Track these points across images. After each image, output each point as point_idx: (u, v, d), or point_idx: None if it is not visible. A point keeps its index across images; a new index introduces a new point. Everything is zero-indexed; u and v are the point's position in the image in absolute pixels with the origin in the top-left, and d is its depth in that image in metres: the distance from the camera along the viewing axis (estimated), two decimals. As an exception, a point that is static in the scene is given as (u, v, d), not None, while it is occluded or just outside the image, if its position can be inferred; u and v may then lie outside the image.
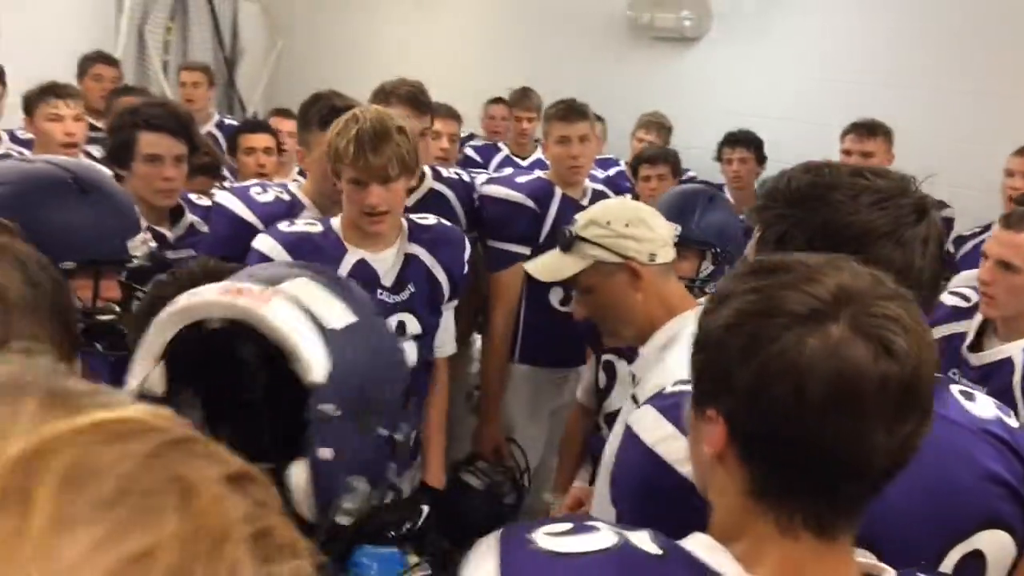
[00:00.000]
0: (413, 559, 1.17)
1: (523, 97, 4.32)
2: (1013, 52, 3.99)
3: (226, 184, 2.94)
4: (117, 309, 1.58)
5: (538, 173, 3.05)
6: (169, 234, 2.31)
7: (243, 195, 2.30)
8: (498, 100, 4.73)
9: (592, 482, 2.04)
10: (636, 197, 3.47)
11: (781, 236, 1.03)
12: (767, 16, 4.67)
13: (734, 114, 4.36)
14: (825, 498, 0.73)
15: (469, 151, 4.16)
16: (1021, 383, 1.90)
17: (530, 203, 2.88)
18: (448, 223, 2.28)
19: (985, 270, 1.97)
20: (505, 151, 4.39)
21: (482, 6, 5.96)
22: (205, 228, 2.35)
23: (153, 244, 1.66)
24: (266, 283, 1.09)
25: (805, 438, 0.70)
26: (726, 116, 4.34)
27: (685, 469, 0.92)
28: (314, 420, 0.99)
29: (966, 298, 2.05)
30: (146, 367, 1.06)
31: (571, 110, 2.94)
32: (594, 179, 3.28)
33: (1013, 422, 1.11)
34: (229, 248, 2.02)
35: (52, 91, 3.12)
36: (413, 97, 2.64)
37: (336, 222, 2.06)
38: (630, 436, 0.99)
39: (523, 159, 4.40)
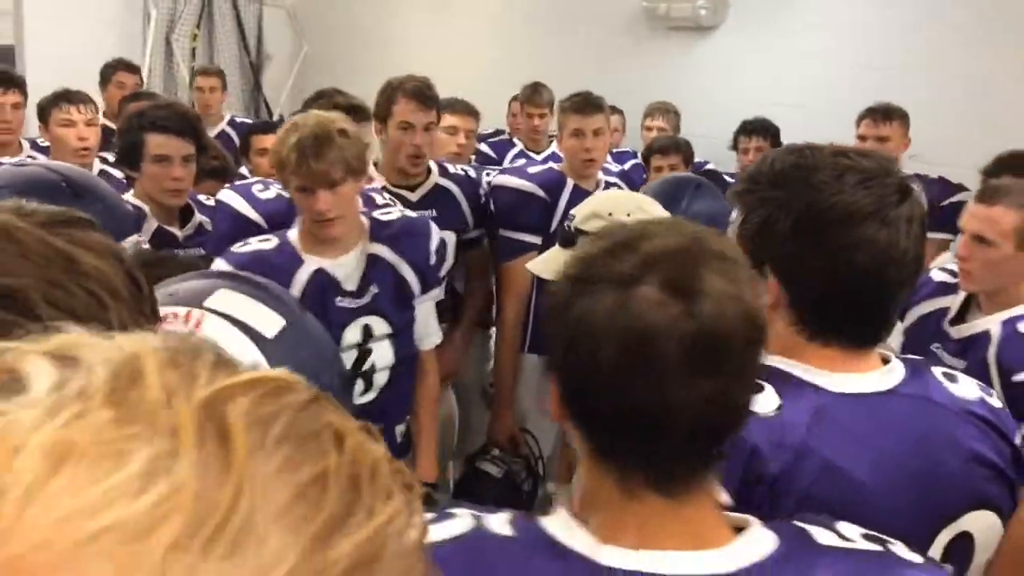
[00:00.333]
0: None
1: (533, 93, 4.33)
2: (1029, 33, 3.93)
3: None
4: None
5: (551, 164, 3.07)
6: (179, 233, 2.37)
7: (245, 192, 2.33)
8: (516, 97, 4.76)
9: None
10: (650, 188, 3.48)
11: (765, 219, 1.02)
12: (782, 4, 4.64)
13: (750, 103, 4.33)
14: (651, 456, 0.73)
15: (484, 147, 4.17)
16: (996, 355, 1.90)
17: (541, 192, 2.90)
18: (413, 215, 2.25)
19: (961, 245, 1.97)
20: (519, 146, 4.40)
21: (503, 5, 5.99)
22: None
23: (146, 246, 1.70)
24: (189, 303, 1.07)
25: (607, 396, 0.71)
26: (742, 105, 4.31)
27: None
28: None
29: (954, 273, 2.04)
30: None
31: (586, 103, 2.94)
32: (608, 172, 3.29)
33: (996, 402, 1.10)
34: (231, 244, 2.04)
35: (64, 97, 3.18)
36: (419, 92, 2.66)
37: (293, 234, 2.05)
38: None
39: (537, 154, 4.42)
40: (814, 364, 1.02)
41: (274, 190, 2.36)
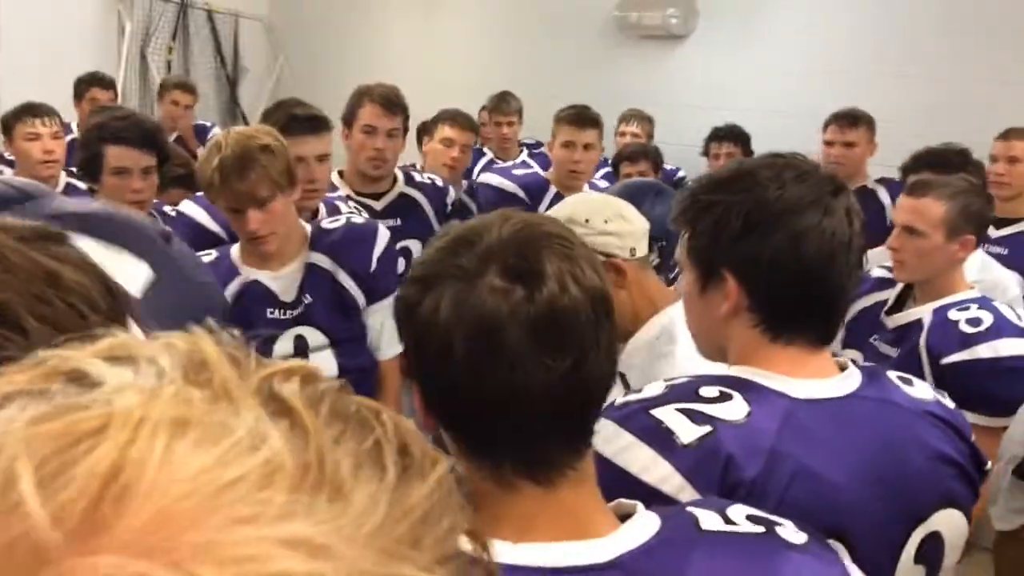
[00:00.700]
0: None
1: (501, 101, 4.34)
2: (1000, 40, 3.98)
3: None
4: None
5: (537, 170, 3.10)
6: None
7: (205, 204, 2.29)
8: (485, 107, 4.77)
9: None
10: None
11: (715, 223, 1.05)
12: (752, 12, 4.68)
13: (722, 110, 4.37)
14: (517, 444, 0.73)
15: None
16: (926, 341, 1.97)
17: (521, 194, 2.93)
18: (360, 222, 2.20)
19: (893, 237, 2.05)
20: (489, 155, 4.41)
21: (479, 15, 6.02)
22: None
23: None
24: None
25: (464, 391, 0.72)
26: (714, 112, 4.35)
27: (648, 477, 0.93)
28: None
29: (891, 270, 2.12)
30: None
31: (581, 116, 2.99)
32: (593, 187, 3.31)
33: (949, 403, 1.12)
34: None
35: (29, 111, 3.15)
36: (385, 97, 2.68)
37: (235, 249, 2.03)
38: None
39: (505, 163, 4.45)
40: (776, 369, 1.03)
41: None
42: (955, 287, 2.05)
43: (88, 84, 4.39)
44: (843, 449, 0.99)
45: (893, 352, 2.05)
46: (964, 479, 1.08)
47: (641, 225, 1.65)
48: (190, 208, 2.32)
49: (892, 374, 1.12)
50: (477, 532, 0.35)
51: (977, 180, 2.22)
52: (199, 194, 2.40)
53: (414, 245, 2.78)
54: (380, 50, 6.33)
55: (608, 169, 4.09)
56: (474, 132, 3.43)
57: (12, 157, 3.34)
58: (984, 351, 1.89)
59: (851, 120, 3.45)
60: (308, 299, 2.03)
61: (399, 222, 2.76)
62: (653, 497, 0.88)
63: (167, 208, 2.51)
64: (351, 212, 2.46)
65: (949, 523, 1.07)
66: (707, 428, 0.94)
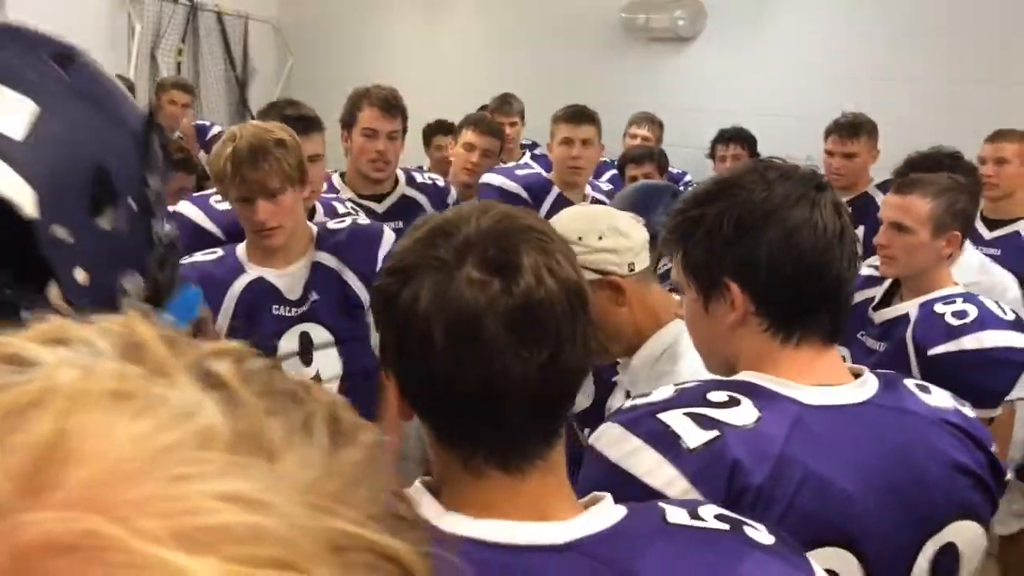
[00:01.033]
0: None
1: (503, 103, 4.34)
2: (1007, 41, 3.96)
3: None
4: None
5: (539, 170, 3.11)
6: None
7: (202, 203, 2.31)
8: (482, 109, 4.77)
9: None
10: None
11: (708, 232, 1.05)
12: (760, 14, 4.68)
13: (729, 112, 4.36)
14: (489, 435, 0.74)
15: None
16: (912, 333, 2.01)
17: (524, 194, 2.94)
18: (366, 223, 2.21)
19: (881, 233, 2.10)
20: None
21: (486, 17, 6.03)
22: None
23: None
24: None
25: (444, 382, 0.73)
26: (721, 115, 4.35)
27: (653, 481, 0.92)
28: (50, 256, 0.75)
29: (878, 267, 2.16)
30: None
31: (578, 113, 3.03)
32: (596, 189, 3.31)
33: (969, 411, 1.10)
34: (189, 255, 2.03)
35: None
36: (384, 100, 2.70)
37: (242, 247, 2.04)
38: (593, 454, 0.98)
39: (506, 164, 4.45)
40: (787, 374, 1.03)
41: None
42: (941, 283, 2.09)
43: None
44: (854, 456, 0.98)
45: (880, 347, 2.08)
46: (981, 489, 1.07)
47: (640, 238, 1.59)
48: (187, 208, 2.32)
49: (910, 382, 1.11)
50: (402, 493, 0.37)
51: (969, 182, 2.25)
52: (196, 195, 2.41)
53: None
54: (388, 52, 6.35)
55: (614, 172, 4.09)
56: (496, 137, 3.42)
57: None
58: (969, 342, 1.93)
59: (852, 131, 3.41)
60: (314, 297, 2.03)
61: (401, 224, 2.73)
62: (658, 500, 0.87)
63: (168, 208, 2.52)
64: (349, 212, 2.48)
65: (965, 534, 1.05)
66: (714, 433, 0.94)
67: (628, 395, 1.55)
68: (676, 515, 0.77)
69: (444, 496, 0.76)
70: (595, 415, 2.21)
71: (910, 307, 2.07)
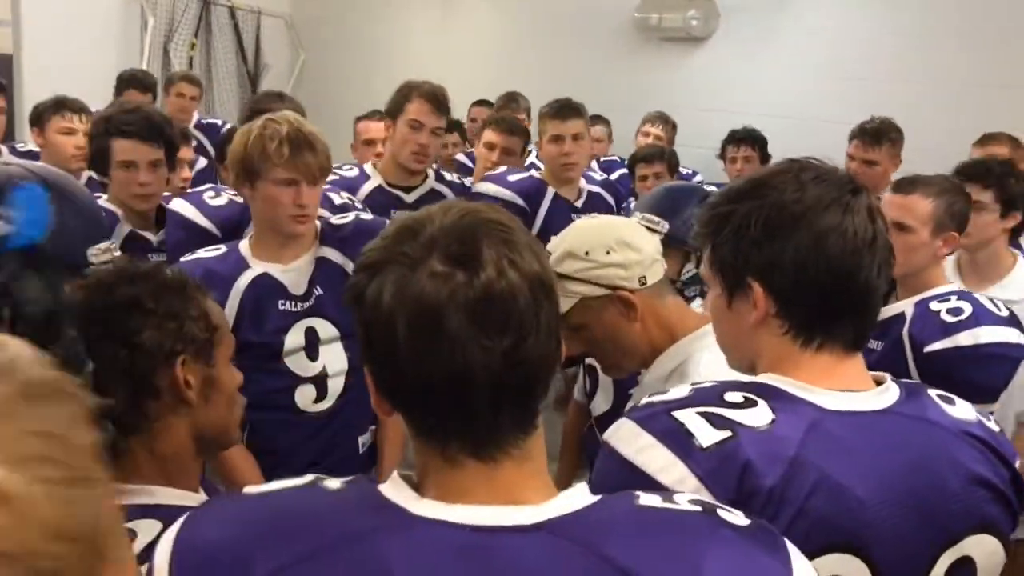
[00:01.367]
0: None
1: (509, 101, 4.33)
2: (1018, 44, 3.92)
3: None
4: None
5: (532, 172, 3.07)
6: (153, 238, 2.37)
7: (196, 200, 2.32)
8: (482, 103, 4.75)
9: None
10: (636, 197, 3.47)
11: (735, 232, 1.04)
12: (773, 15, 4.65)
13: (741, 113, 4.34)
14: (460, 424, 0.76)
15: (461, 157, 4.14)
16: (908, 333, 2.04)
17: (519, 201, 2.90)
18: (369, 218, 2.22)
19: None
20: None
21: (499, 15, 6.02)
22: None
23: (118, 252, 1.69)
24: None
25: (410, 374, 0.75)
26: (733, 115, 4.32)
27: (664, 478, 0.92)
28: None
29: None
30: None
31: (564, 107, 2.95)
32: (591, 180, 3.27)
33: (993, 425, 1.09)
34: (184, 253, 2.04)
35: (65, 105, 3.22)
36: (433, 95, 2.75)
37: (244, 244, 2.03)
38: (607, 449, 0.98)
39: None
40: (808, 379, 1.01)
41: (226, 196, 2.34)
42: (935, 282, 2.12)
43: (127, 84, 4.40)
44: (871, 463, 0.97)
45: (877, 345, 2.07)
46: (1002, 504, 1.04)
47: (651, 251, 1.53)
48: (181, 206, 2.33)
49: (933, 392, 1.09)
50: (52, 433, 0.46)
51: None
52: (191, 191, 2.42)
53: None
54: (400, 49, 6.35)
55: (624, 170, 4.07)
56: (517, 135, 3.40)
57: (28, 150, 3.37)
58: (965, 339, 1.95)
59: (874, 138, 3.34)
60: (319, 291, 2.03)
61: None
62: None
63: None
64: (345, 203, 2.49)
65: (983, 549, 1.03)
66: (727, 433, 0.93)
67: None
68: (648, 499, 0.79)
69: (424, 486, 0.78)
70: (615, 420, 2.19)
71: (905, 306, 2.10)
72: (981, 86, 3.97)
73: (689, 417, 0.95)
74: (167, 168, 2.38)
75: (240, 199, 2.32)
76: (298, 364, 2.01)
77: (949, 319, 2.00)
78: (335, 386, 2.05)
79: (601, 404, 2.04)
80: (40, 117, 3.28)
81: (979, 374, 1.92)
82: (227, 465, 1.97)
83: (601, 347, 1.55)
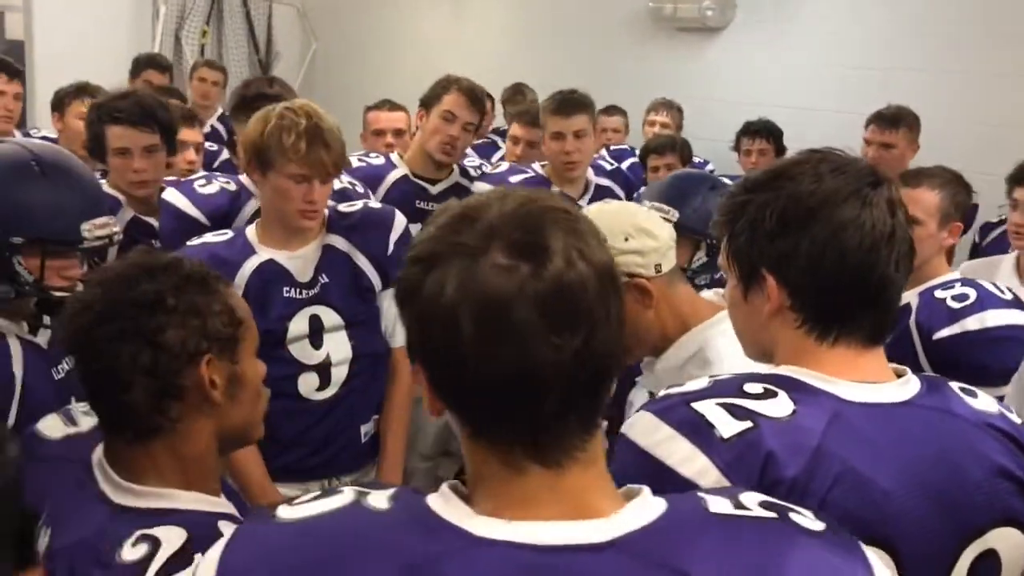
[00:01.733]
0: None
1: (515, 93, 4.29)
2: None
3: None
4: (80, 287, 1.60)
5: (537, 167, 2.99)
6: (158, 224, 2.34)
7: (186, 189, 2.30)
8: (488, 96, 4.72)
9: None
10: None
11: (751, 222, 1.03)
12: (791, 4, 4.58)
13: (756, 104, 4.29)
14: (525, 426, 0.71)
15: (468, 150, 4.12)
16: (916, 323, 2.06)
17: None
18: (377, 207, 2.20)
19: None
20: (504, 149, 4.33)
21: (512, 4, 5.97)
22: None
23: (116, 228, 1.66)
24: None
25: (474, 372, 0.69)
26: (749, 107, 4.27)
27: (685, 470, 0.91)
28: None
29: None
30: None
31: (566, 103, 2.83)
32: (601, 171, 3.22)
33: (1015, 417, 1.08)
34: (176, 242, 2.02)
35: (86, 91, 3.22)
36: (471, 90, 2.74)
37: (251, 229, 2.02)
38: (625, 442, 0.97)
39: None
40: (827, 371, 1.00)
41: (217, 184, 2.32)
42: (938, 271, 2.15)
43: (145, 64, 4.39)
44: (894, 455, 0.95)
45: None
46: None
47: (667, 237, 1.53)
48: (171, 195, 2.31)
49: (955, 385, 1.08)
50: None
51: None
52: (182, 181, 2.40)
53: None
54: (412, 38, 6.32)
55: (635, 159, 4.02)
56: (540, 128, 3.30)
57: (44, 135, 3.37)
58: (972, 323, 1.99)
59: (891, 121, 3.35)
60: (324, 279, 2.02)
61: None
62: (690, 490, 0.86)
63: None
64: (345, 187, 2.46)
65: (1007, 542, 1.01)
66: (748, 423, 0.92)
67: (652, 396, 1.51)
68: (719, 505, 0.75)
69: (479, 497, 0.73)
70: (614, 409, 2.17)
71: (910, 296, 2.09)
72: (1002, 78, 3.90)
73: (709, 408, 0.94)
74: (165, 152, 2.34)
75: (232, 187, 2.32)
76: (302, 352, 2.00)
77: (955, 305, 2.02)
78: (339, 374, 2.04)
79: None
80: (61, 102, 3.30)
81: (989, 357, 1.96)
82: (231, 456, 1.95)
83: None
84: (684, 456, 0.91)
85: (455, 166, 2.89)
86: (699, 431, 0.92)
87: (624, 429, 0.98)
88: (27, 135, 3.49)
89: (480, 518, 0.70)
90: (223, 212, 2.25)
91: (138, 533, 1.01)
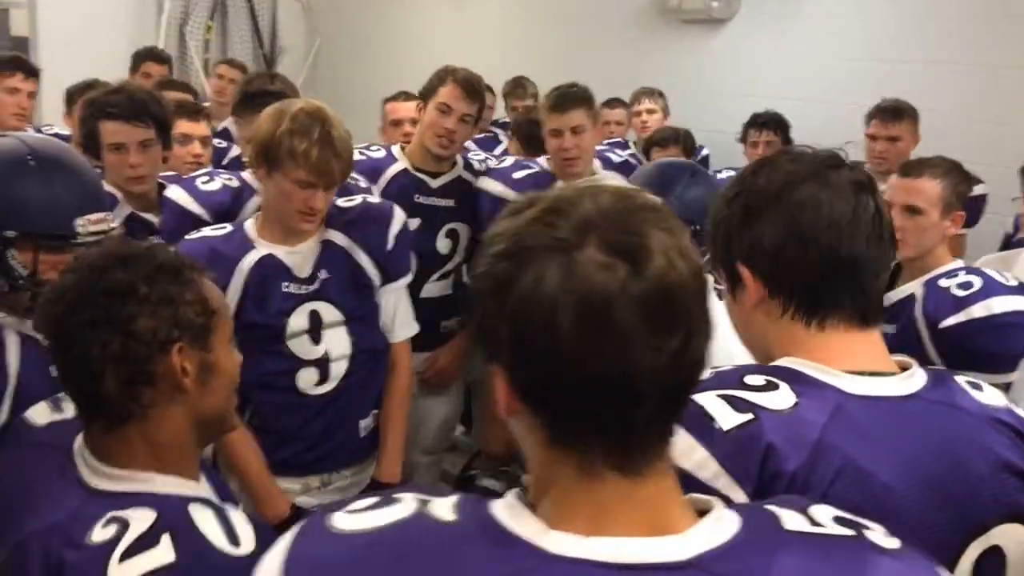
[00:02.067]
0: None
1: (516, 86, 4.26)
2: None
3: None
4: None
5: (542, 161, 2.96)
6: (156, 220, 2.33)
7: (189, 186, 2.29)
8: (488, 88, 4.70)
9: None
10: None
11: (723, 220, 1.06)
12: (796, -5, 4.54)
13: (764, 96, 4.27)
14: (613, 431, 0.69)
15: (469, 143, 4.10)
16: (922, 310, 2.08)
17: None
18: (376, 202, 2.19)
19: (895, 218, 2.12)
20: (505, 143, 4.31)
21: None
22: None
23: (115, 224, 1.65)
24: None
25: (570, 371, 0.66)
26: (756, 99, 4.25)
27: (685, 462, 0.89)
28: None
29: None
30: None
31: (563, 98, 2.78)
32: (608, 163, 3.19)
33: (1021, 412, 1.06)
34: (179, 239, 2.01)
35: (96, 88, 3.21)
36: (467, 82, 2.69)
37: (250, 223, 2.02)
38: None
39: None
40: (823, 359, 0.99)
41: (219, 181, 2.31)
42: (941, 261, 2.17)
43: (144, 57, 4.38)
44: (897, 449, 0.94)
45: (891, 328, 2.06)
46: None
47: None
48: (173, 191, 2.30)
49: (960, 379, 1.07)
50: None
51: None
52: (184, 177, 2.38)
53: (462, 228, 2.81)
54: (416, 32, 6.30)
55: (631, 151, 3.99)
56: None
57: (55, 132, 3.37)
58: (978, 310, 1.99)
59: (894, 114, 3.39)
60: (324, 275, 2.01)
61: (453, 203, 2.77)
62: (689, 483, 0.85)
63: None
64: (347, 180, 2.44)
65: (1013, 538, 1.00)
66: (748, 416, 0.91)
67: None
68: (793, 521, 0.73)
69: (548, 507, 0.70)
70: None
71: (914, 287, 2.13)
72: (1008, 69, 3.87)
73: (709, 400, 0.92)
74: (160, 146, 2.33)
75: (234, 184, 2.30)
76: (301, 347, 1.99)
77: (960, 293, 2.03)
78: (337, 369, 2.03)
79: None
80: (72, 98, 3.30)
81: (996, 344, 1.97)
82: (228, 447, 1.95)
83: None
84: (683, 449, 0.89)
85: (459, 159, 2.85)
86: (698, 423, 0.90)
87: None
88: (38, 131, 3.49)
89: (554, 533, 0.67)
90: (226, 208, 2.24)
91: (109, 515, 1.02)
